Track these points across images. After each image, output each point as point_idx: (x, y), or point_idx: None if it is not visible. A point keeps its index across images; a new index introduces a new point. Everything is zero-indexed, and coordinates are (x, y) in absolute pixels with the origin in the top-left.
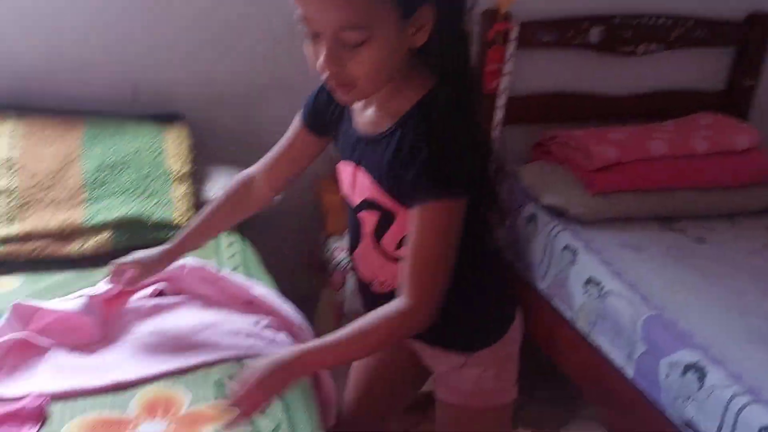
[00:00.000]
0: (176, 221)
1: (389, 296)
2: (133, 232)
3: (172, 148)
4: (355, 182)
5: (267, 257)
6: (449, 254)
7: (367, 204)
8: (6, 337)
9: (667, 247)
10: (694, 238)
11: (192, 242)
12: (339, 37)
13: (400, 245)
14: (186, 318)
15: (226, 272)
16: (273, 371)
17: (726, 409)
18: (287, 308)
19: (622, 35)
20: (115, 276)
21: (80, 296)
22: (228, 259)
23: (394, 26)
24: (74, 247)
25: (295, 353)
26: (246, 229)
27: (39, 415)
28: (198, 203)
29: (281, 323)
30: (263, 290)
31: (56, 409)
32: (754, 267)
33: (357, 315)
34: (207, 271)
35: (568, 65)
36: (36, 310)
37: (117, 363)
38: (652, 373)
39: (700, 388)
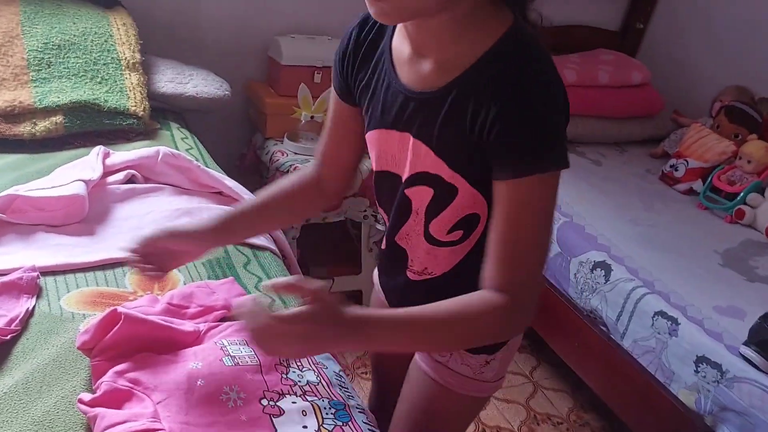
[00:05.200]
0: (132, 110)
1: (427, 287)
2: (87, 118)
3: (121, 34)
4: (402, 153)
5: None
6: (548, 240)
7: (421, 178)
8: None
9: (571, 167)
10: (592, 161)
11: (241, 230)
12: None
13: (455, 228)
14: (162, 204)
15: (196, 163)
16: (331, 326)
17: (627, 299)
18: None
19: None
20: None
21: (67, 182)
22: (186, 152)
23: None
24: (25, 128)
25: (372, 316)
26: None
27: (35, 286)
28: (149, 94)
29: None
30: (233, 183)
31: (50, 283)
32: (639, 186)
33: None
34: (182, 158)
35: None
36: (14, 198)
37: (103, 242)
38: (563, 270)
39: (606, 281)
